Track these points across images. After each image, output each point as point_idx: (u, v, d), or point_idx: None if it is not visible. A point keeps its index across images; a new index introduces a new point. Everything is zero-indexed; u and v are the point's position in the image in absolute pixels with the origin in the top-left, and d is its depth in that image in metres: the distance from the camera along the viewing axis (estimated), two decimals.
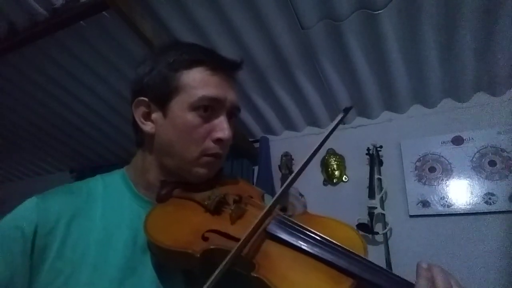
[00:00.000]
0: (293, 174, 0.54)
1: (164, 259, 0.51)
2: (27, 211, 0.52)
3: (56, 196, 0.56)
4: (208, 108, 0.56)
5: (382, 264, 1.73)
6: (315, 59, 1.71)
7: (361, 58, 1.67)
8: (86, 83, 2.08)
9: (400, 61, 1.66)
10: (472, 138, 1.74)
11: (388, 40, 1.54)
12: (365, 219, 1.82)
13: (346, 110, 0.58)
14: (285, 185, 0.53)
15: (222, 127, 0.57)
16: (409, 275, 0.45)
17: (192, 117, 0.56)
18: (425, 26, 1.47)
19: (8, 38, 1.73)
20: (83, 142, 2.77)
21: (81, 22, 1.64)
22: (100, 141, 2.74)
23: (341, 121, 0.56)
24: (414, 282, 0.41)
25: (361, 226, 1.81)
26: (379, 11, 1.42)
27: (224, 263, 0.42)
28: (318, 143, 0.55)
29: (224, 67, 0.59)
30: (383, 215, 1.83)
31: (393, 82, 1.78)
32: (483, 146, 1.71)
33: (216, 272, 0.42)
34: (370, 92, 1.87)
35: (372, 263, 0.44)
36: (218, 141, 0.57)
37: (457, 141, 1.78)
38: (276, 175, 2.19)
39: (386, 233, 1.79)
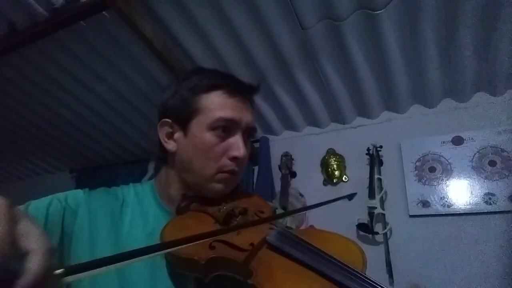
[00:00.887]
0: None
1: (176, 267, 0.53)
2: (76, 195, 0.59)
3: (99, 194, 0.62)
4: (225, 128, 0.61)
5: (382, 264, 1.73)
6: (315, 59, 1.71)
7: (361, 58, 1.67)
8: (86, 83, 2.08)
9: (400, 61, 1.66)
10: (472, 138, 1.74)
11: (388, 40, 1.54)
12: (365, 219, 1.82)
13: (351, 197, 0.60)
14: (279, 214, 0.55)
15: (237, 146, 0.61)
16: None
17: (210, 137, 0.60)
18: (425, 26, 1.47)
19: (8, 38, 1.73)
20: (83, 142, 2.77)
21: (81, 22, 1.64)
22: (100, 141, 2.74)
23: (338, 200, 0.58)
24: None
25: (361, 226, 1.81)
26: (379, 11, 1.42)
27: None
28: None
29: (240, 91, 0.64)
30: (383, 215, 1.83)
31: (393, 82, 1.78)
32: (483, 146, 1.71)
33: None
34: (370, 92, 1.87)
35: (368, 278, 0.44)
36: (234, 159, 0.61)
37: (457, 141, 1.78)
38: (276, 175, 2.19)
39: (386, 233, 1.79)
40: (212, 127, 0.60)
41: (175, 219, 0.60)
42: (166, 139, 0.64)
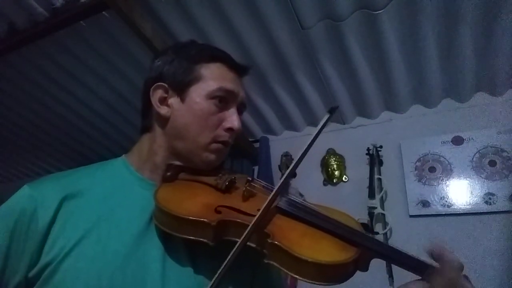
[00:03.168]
0: (287, 172, 0.57)
1: (175, 229, 0.52)
2: (21, 196, 0.54)
3: (49, 180, 0.59)
4: (222, 99, 0.62)
5: (382, 264, 1.73)
6: (315, 59, 1.71)
7: (361, 58, 1.67)
8: (86, 83, 2.08)
9: (400, 61, 1.66)
10: (472, 138, 1.74)
11: (388, 40, 1.54)
12: (365, 219, 1.82)
13: (332, 111, 0.60)
14: (284, 177, 0.56)
15: (233, 118, 0.63)
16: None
17: (208, 105, 0.61)
18: (425, 26, 1.47)
19: (8, 38, 1.73)
20: (83, 142, 2.77)
21: (81, 22, 1.64)
22: (100, 141, 2.74)
23: (327, 122, 0.58)
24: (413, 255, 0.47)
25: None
26: (379, 11, 1.42)
27: (245, 233, 0.46)
28: (305, 147, 0.56)
29: (237, 68, 0.66)
30: (383, 215, 1.83)
31: (393, 82, 1.78)
32: (483, 146, 1.71)
33: (238, 244, 0.45)
34: (370, 92, 1.87)
35: (374, 237, 0.48)
36: (229, 130, 0.62)
37: (457, 141, 1.78)
38: (276, 175, 2.19)
39: (386, 233, 1.79)
40: (212, 96, 0.61)
41: (166, 184, 0.59)
42: (158, 104, 0.63)
